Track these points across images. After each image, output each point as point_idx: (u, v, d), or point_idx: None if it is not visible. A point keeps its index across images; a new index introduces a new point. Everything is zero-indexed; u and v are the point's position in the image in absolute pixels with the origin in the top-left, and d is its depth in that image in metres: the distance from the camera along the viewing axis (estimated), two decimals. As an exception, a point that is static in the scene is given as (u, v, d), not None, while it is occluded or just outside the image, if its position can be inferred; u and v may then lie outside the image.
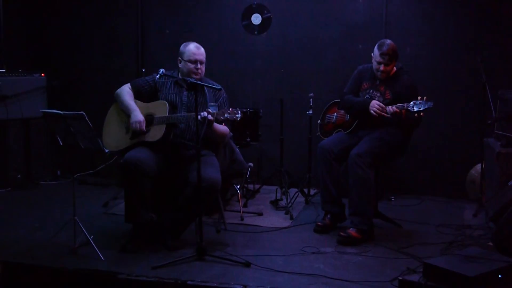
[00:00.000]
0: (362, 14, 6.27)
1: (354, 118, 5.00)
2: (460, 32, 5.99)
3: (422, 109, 4.48)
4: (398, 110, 4.62)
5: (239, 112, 4.28)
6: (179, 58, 4.69)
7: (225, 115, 4.25)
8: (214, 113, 4.29)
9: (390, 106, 4.67)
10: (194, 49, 4.65)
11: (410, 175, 6.25)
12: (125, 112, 4.65)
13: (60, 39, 7.23)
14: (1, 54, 6.65)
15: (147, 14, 6.91)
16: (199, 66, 4.63)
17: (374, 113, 4.73)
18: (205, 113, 4.26)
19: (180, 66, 4.70)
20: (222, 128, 4.58)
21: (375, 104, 4.74)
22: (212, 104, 4.52)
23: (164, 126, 4.49)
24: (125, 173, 4.36)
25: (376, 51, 4.83)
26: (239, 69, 6.66)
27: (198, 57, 4.63)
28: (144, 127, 4.52)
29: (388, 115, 4.67)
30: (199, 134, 4.19)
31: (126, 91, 4.71)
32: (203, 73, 4.70)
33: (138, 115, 4.54)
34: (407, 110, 4.56)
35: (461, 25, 5.98)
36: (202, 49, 4.69)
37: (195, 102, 4.20)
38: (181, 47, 4.71)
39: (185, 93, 4.67)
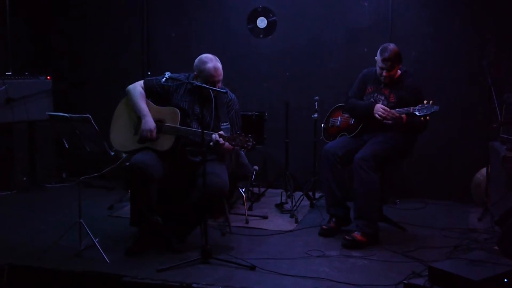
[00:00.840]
0: (367, 18, 6.26)
1: (358, 122, 5.00)
2: (466, 35, 5.97)
3: (428, 113, 4.47)
4: (398, 115, 4.62)
5: (251, 140, 4.19)
6: (195, 73, 4.53)
7: (237, 140, 4.19)
8: (226, 137, 4.25)
9: (393, 110, 4.67)
10: (212, 70, 4.45)
11: (415, 179, 6.24)
12: (136, 113, 4.60)
13: (66, 43, 7.24)
14: (8, 57, 6.68)
15: (153, 18, 6.92)
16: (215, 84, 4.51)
17: (379, 117, 4.73)
18: (217, 136, 4.24)
19: (195, 78, 4.57)
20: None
21: (379, 108, 4.74)
22: (224, 124, 4.48)
23: (174, 137, 4.47)
24: (131, 176, 4.36)
25: (378, 57, 4.82)
26: (244, 72, 6.66)
27: (216, 79, 4.49)
28: (154, 136, 4.46)
29: (390, 122, 4.67)
30: (204, 139, 4.20)
31: (138, 91, 4.60)
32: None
33: (149, 122, 4.46)
34: (413, 114, 4.55)
35: (466, 29, 5.97)
36: (220, 69, 4.50)
37: (210, 115, 4.19)
38: (198, 63, 4.52)
39: (197, 103, 4.59)
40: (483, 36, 5.90)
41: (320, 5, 6.41)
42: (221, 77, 4.53)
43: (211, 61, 4.49)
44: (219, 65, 4.52)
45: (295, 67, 6.54)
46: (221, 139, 4.24)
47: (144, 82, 4.68)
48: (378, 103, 4.83)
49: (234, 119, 4.65)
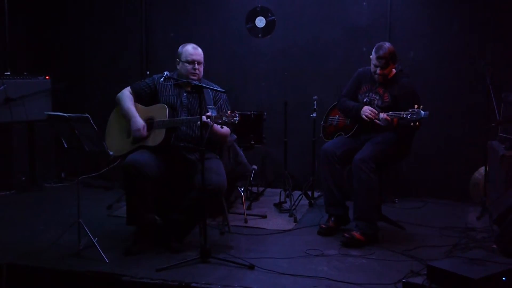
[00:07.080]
0: (366, 17, 6.27)
1: (354, 122, 5.00)
2: (464, 35, 5.98)
3: (417, 118, 4.43)
4: (389, 118, 4.61)
5: (237, 115, 4.22)
6: (177, 59, 4.72)
7: (223, 118, 4.23)
8: (212, 116, 4.28)
9: (382, 113, 4.67)
10: (191, 49, 4.67)
11: (414, 178, 6.24)
12: (125, 118, 4.66)
13: (65, 42, 7.25)
14: (6, 57, 6.68)
15: (152, 17, 6.92)
16: (196, 66, 4.64)
17: (365, 118, 4.74)
18: (204, 118, 4.27)
19: (178, 68, 4.73)
20: (223, 130, 4.51)
21: (367, 109, 4.76)
22: (210, 107, 4.52)
23: (164, 130, 4.50)
24: (126, 175, 4.39)
25: (373, 54, 4.82)
26: (243, 72, 6.67)
27: (195, 58, 4.64)
28: (145, 133, 4.53)
29: (380, 122, 4.67)
30: (203, 137, 4.20)
31: (126, 95, 4.71)
32: (201, 73, 4.71)
33: (137, 122, 4.56)
34: (403, 118, 4.54)
35: (465, 28, 5.97)
36: (199, 50, 4.70)
37: (199, 104, 4.21)
38: (179, 48, 4.74)
39: (184, 94, 4.68)
40: (482, 35, 5.90)
41: (319, 5, 6.42)
42: (200, 57, 4.68)
43: (191, 44, 4.72)
44: (199, 48, 4.71)
45: (293, 67, 6.54)
46: (208, 120, 4.26)
47: (131, 87, 4.78)
48: (373, 102, 4.85)
49: (223, 107, 4.70)
